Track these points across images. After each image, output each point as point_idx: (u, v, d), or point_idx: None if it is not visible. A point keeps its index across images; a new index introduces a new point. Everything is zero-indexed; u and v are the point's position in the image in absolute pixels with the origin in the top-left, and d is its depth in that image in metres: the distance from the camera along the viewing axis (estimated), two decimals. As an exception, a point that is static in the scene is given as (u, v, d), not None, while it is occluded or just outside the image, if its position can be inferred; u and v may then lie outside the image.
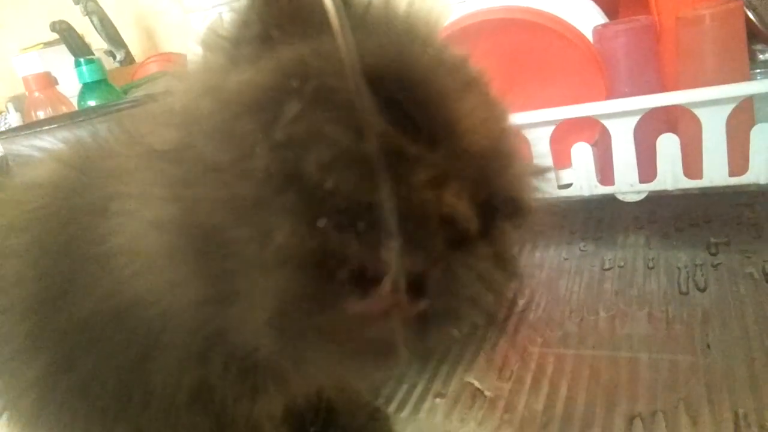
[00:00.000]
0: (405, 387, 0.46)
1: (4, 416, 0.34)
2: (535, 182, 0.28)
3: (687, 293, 0.50)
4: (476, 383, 0.45)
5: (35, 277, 0.29)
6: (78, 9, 1.25)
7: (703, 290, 0.50)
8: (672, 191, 0.65)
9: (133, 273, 0.25)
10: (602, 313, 0.50)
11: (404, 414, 0.43)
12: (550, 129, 0.67)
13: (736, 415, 0.36)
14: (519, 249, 0.27)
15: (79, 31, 1.27)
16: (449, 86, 0.24)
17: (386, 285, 0.20)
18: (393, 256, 0.20)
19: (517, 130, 0.28)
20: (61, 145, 0.34)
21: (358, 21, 0.24)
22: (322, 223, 0.20)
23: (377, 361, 0.23)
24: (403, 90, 0.22)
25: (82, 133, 0.34)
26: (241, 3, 0.25)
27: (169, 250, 0.23)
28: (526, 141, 0.68)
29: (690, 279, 0.52)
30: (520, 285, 0.57)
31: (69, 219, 0.29)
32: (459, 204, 0.21)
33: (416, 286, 0.21)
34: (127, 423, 0.29)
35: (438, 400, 0.44)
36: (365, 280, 0.21)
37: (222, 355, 0.27)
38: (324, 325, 0.22)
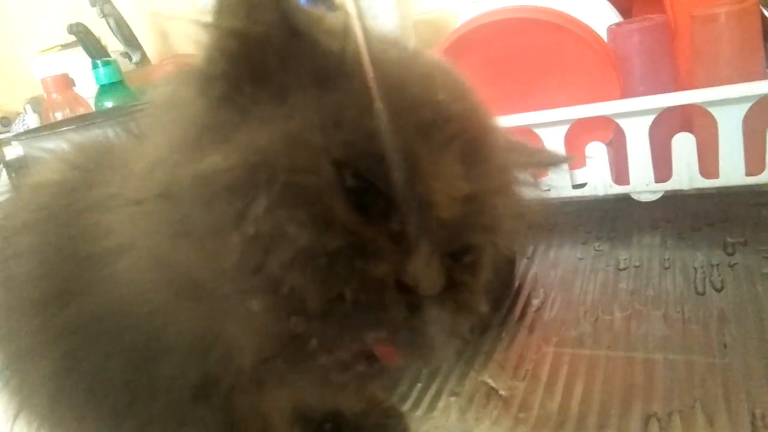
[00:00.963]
0: (419, 386, 0.46)
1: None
2: (524, 224, 0.29)
3: (703, 293, 0.50)
4: (491, 382, 0.45)
5: (41, 275, 0.30)
6: (95, 11, 1.26)
7: (719, 290, 0.50)
8: (688, 191, 0.65)
9: (135, 273, 0.26)
10: (617, 314, 0.50)
11: (419, 413, 0.43)
12: (565, 128, 0.67)
13: (753, 415, 0.36)
14: (485, 292, 0.28)
15: (96, 33, 1.29)
16: (424, 154, 0.23)
17: (347, 350, 0.23)
18: (357, 335, 0.23)
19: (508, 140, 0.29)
20: (69, 148, 0.35)
21: (332, 73, 0.23)
22: (286, 319, 0.22)
23: (348, 393, 0.26)
24: (374, 167, 0.23)
25: (98, 134, 0.35)
26: (206, 37, 0.24)
27: (163, 285, 0.25)
28: (540, 140, 0.69)
29: (706, 279, 0.52)
30: (522, 271, 0.57)
31: (72, 217, 0.29)
32: (423, 271, 0.23)
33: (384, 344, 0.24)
34: (135, 419, 0.30)
35: (453, 398, 0.44)
36: (336, 345, 0.23)
37: (222, 350, 0.28)
38: (299, 374, 0.24)
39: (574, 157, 0.52)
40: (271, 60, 0.23)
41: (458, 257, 0.25)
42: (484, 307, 0.27)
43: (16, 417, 0.34)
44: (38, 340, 0.30)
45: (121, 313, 0.27)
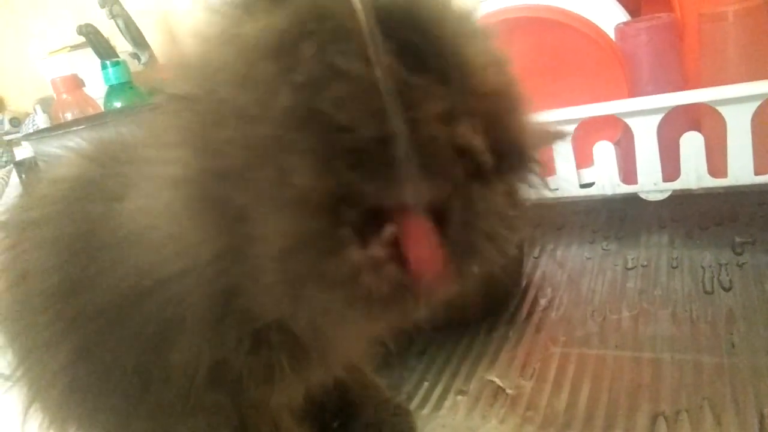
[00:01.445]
0: (426, 384, 0.46)
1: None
2: (542, 142, 0.28)
3: (712, 293, 0.50)
4: (498, 381, 0.45)
5: (56, 266, 0.30)
6: (104, 13, 1.27)
7: (728, 290, 0.49)
8: (696, 190, 0.64)
9: (148, 245, 0.26)
10: (625, 313, 0.50)
11: (426, 411, 0.43)
12: (572, 127, 0.67)
13: (761, 414, 0.36)
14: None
15: (105, 34, 1.30)
16: (458, 30, 0.24)
17: (395, 225, 0.21)
18: (411, 185, 0.21)
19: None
20: (86, 144, 0.35)
21: None
22: (337, 163, 0.21)
23: (378, 309, 0.23)
24: (414, 30, 0.22)
25: (108, 133, 0.35)
26: None
27: (184, 205, 0.24)
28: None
29: (715, 278, 0.52)
30: (528, 270, 0.57)
31: (88, 209, 0.30)
32: (473, 137, 0.22)
33: (436, 216, 0.22)
34: (148, 405, 0.30)
35: (459, 397, 0.44)
36: (375, 225, 0.21)
37: (235, 329, 0.28)
38: (330, 269, 0.22)
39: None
40: None
41: (501, 154, 0.24)
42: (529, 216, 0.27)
43: (27, 411, 0.35)
44: (52, 331, 0.31)
45: (135, 299, 0.27)
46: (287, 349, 0.29)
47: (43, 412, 0.35)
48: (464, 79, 0.23)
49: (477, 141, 0.22)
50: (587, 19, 0.68)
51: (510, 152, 0.24)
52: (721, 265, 0.53)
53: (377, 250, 0.21)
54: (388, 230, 0.21)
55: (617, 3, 0.72)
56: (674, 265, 0.55)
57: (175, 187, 0.24)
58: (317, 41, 0.21)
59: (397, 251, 0.21)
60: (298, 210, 0.21)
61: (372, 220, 0.21)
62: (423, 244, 0.22)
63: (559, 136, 0.30)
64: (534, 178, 0.27)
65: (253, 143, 0.21)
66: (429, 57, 0.22)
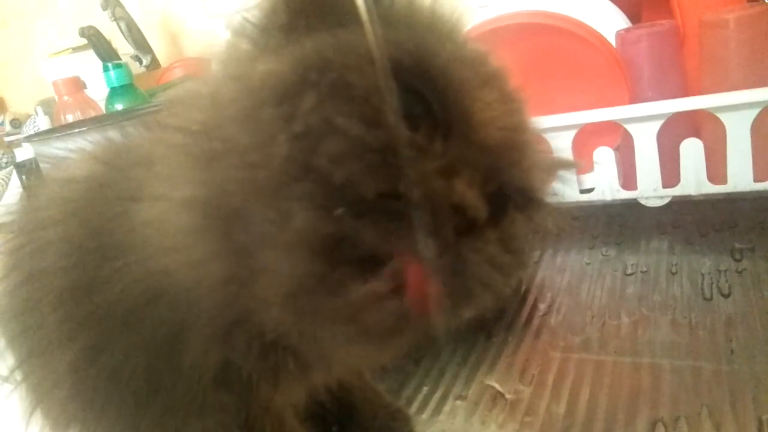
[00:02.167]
0: (426, 389, 0.46)
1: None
2: (552, 176, 0.28)
3: (711, 299, 0.50)
4: (497, 386, 0.45)
5: (66, 267, 0.30)
6: (106, 15, 1.28)
7: (727, 296, 0.50)
8: (696, 196, 0.64)
9: (160, 252, 0.26)
10: (624, 319, 0.50)
11: (425, 416, 0.43)
12: (573, 133, 0.67)
13: (760, 421, 0.36)
14: (529, 244, 0.28)
15: (107, 36, 1.30)
16: (467, 79, 0.24)
17: (387, 270, 0.22)
18: (405, 242, 0.21)
19: (535, 126, 0.28)
20: (93, 144, 0.35)
21: (383, 14, 0.24)
22: (337, 212, 0.21)
23: (383, 342, 0.24)
24: (422, 81, 0.23)
25: (114, 134, 0.35)
26: None
27: (195, 230, 0.24)
28: (547, 144, 0.69)
29: (714, 285, 0.52)
30: (528, 276, 0.57)
31: (98, 210, 0.30)
32: (468, 193, 0.22)
33: (427, 271, 0.22)
34: (156, 406, 0.30)
35: (459, 402, 0.44)
36: (373, 266, 0.22)
37: (245, 334, 0.28)
38: (332, 307, 0.22)
39: (582, 163, 0.52)
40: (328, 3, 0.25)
41: (502, 200, 0.25)
42: (528, 259, 0.27)
43: (31, 415, 0.35)
44: (60, 332, 0.31)
45: (147, 302, 0.28)
46: (294, 353, 0.30)
47: (46, 415, 0.35)
48: (469, 132, 0.23)
49: (472, 197, 0.22)
50: (588, 25, 0.68)
51: (514, 195, 0.25)
52: (720, 271, 0.53)
53: (377, 287, 0.22)
54: (387, 269, 0.22)
55: (618, 9, 0.72)
56: (674, 271, 0.55)
57: (185, 210, 0.24)
58: (318, 94, 0.22)
59: (396, 287, 0.22)
60: (297, 252, 0.22)
61: (370, 259, 0.22)
62: (419, 286, 0.22)
63: (567, 165, 0.30)
64: (541, 215, 0.28)
65: (253, 185, 0.22)
66: (434, 110, 0.23)
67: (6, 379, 0.35)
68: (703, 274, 0.54)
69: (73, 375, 0.31)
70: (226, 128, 0.23)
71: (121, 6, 1.30)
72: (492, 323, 0.53)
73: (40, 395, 0.34)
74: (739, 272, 0.53)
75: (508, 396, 0.43)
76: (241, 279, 0.24)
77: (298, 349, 0.29)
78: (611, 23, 0.71)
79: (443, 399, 0.45)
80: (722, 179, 0.62)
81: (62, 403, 0.33)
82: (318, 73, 0.22)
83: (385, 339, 0.24)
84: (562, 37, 0.67)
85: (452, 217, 0.22)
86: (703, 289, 0.51)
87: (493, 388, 0.45)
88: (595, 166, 0.68)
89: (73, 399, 0.32)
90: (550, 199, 0.28)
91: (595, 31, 0.68)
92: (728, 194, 0.63)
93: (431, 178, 0.22)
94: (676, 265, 0.56)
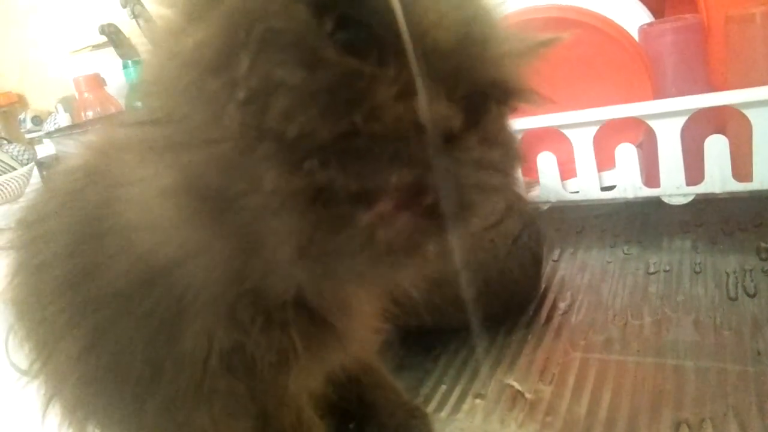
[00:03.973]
0: (444, 388, 0.46)
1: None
2: (523, 58, 0.26)
3: (736, 299, 0.49)
4: (516, 385, 0.44)
5: (66, 255, 0.30)
6: (126, 12, 1.29)
7: (752, 296, 0.48)
8: (720, 194, 0.63)
9: (153, 242, 0.26)
10: (647, 318, 0.49)
11: (443, 414, 0.43)
12: (594, 129, 0.66)
13: (788, 424, 0.35)
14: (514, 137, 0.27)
15: (127, 33, 1.31)
16: None
17: (386, 193, 0.21)
18: (381, 173, 0.21)
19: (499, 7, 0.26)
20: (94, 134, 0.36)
21: None
22: (301, 164, 0.20)
23: (405, 259, 0.23)
24: (355, 4, 0.22)
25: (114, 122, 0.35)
26: None
27: (185, 215, 0.24)
28: (568, 141, 0.68)
29: (739, 284, 0.51)
30: (548, 273, 0.56)
31: (93, 198, 0.30)
32: (434, 107, 0.21)
33: (416, 191, 0.21)
34: (160, 395, 0.30)
35: (478, 401, 0.44)
36: (365, 197, 0.21)
37: (250, 310, 0.28)
38: (345, 243, 0.22)
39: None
40: None
41: (473, 104, 0.23)
42: (519, 149, 0.26)
43: (48, 404, 0.35)
44: (64, 320, 0.31)
45: (143, 285, 0.27)
46: (302, 327, 0.29)
47: (62, 407, 0.35)
48: (418, 42, 0.22)
49: (439, 109, 0.21)
50: (611, 20, 0.67)
51: (489, 91, 0.24)
52: (745, 270, 0.52)
53: (381, 207, 0.21)
54: (383, 195, 0.21)
55: (641, 4, 0.71)
56: (697, 270, 0.54)
57: (168, 199, 0.24)
58: (249, 54, 0.21)
59: (398, 205, 0.22)
60: (286, 212, 0.21)
61: (362, 195, 0.21)
62: (416, 208, 0.22)
63: (546, 44, 0.29)
64: (525, 105, 0.27)
65: (220, 160, 0.22)
66: (375, 29, 0.22)
67: (25, 372, 0.36)
68: (727, 274, 0.53)
69: (79, 365, 0.31)
70: (179, 109, 0.22)
71: (140, 3, 1.31)
72: (511, 320, 0.52)
73: (55, 387, 0.34)
74: (765, 272, 0.51)
75: (528, 395, 0.43)
76: (243, 253, 0.24)
77: (305, 322, 0.29)
78: (634, 18, 0.70)
79: (462, 397, 0.44)
80: (748, 177, 0.61)
81: (74, 394, 0.33)
82: (244, 30, 0.21)
83: (406, 254, 0.23)
84: (584, 32, 0.66)
85: (424, 135, 0.21)
86: (728, 289, 0.50)
87: (513, 387, 0.44)
88: (617, 163, 0.67)
89: (83, 390, 0.32)
90: (527, 83, 0.26)
91: (618, 25, 0.67)
92: (753, 192, 0.62)
93: (388, 105, 0.21)
94: (699, 264, 0.55)
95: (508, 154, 0.25)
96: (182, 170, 0.23)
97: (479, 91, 0.24)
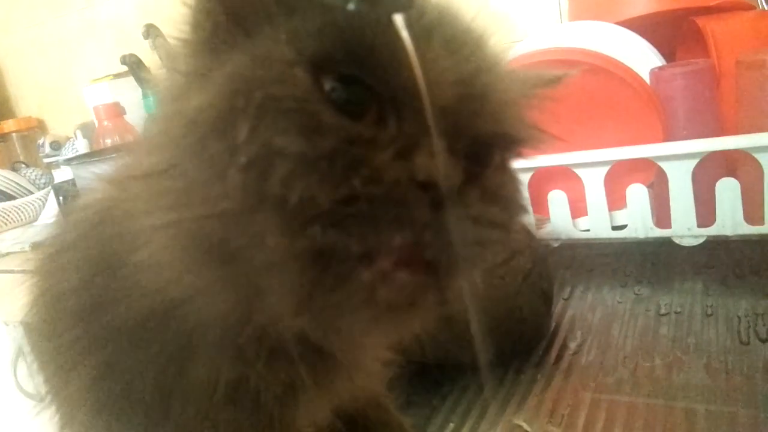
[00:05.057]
0: (452, 426, 0.45)
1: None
2: (527, 102, 0.27)
3: (747, 343, 0.48)
4: (525, 426, 0.44)
5: (81, 288, 0.31)
6: (147, 44, 1.32)
7: (764, 341, 0.48)
8: (732, 237, 0.63)
9: (163, 281, 0.26)
10: (658, 361, 0.48)
11: (451, 453, 0.43)
12: (606, 169, 0.66)
13: (800, 474, 0.35)
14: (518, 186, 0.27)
15: (147, 64, 1.34)
16: (401, 43, 0.22)
17: (385, 252, 0.21)
18: (382, 236, 0.21)
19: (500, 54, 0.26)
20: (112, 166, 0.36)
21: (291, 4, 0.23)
22: (302, 229, 0.21)
23: (405, 314, 0.23)
24: (352, 64, 0.22)
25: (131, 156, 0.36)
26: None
27: (191, 262, 0.25)
28: (579, 180, 0.68)
29: (751, 328, 0.50)
30: (558, 313, 0.56)
31: (108, 232, 0.31)
32: (433, 165, 0.21)
33: (418, 248, 0.22)
34: (169, 425, 0.30)
35: (486, 440, 0.43)
36: (365, 257, 0.21)
37: (254, 345, 0.28)
38: (345, 300, 0.22)
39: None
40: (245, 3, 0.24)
41: (474, 157, 0.24)
42: (524, 202, 0.26)
43: (62, 430, 0.35)
44: (76, 350, 0.31)
45: (153, 319, 0.28)
46: (307, 361, 0.29)
47: None
48: (414, 102, 0.22)
49: (439, 167, 0.22)
50: (622, 63, 0.68)
51: (491, 142, 0.25)
52: (757, 314, 0.52)
53: (381, 264, 0.21)
54: (384, 252, 0.21)
55: (652, 48, 0.72)
56: (709, 312, 0.54)
57: (173, 249, 0.25)
58: (248, 120, 0.21)
59: (399, 262, 0.22)
60: (287, 269, 0.22)
61: (362, 258, 0.22)
62: (418, 266, 0.22)
63: (553, 81, 0.29)
64: (527, 150, 0.27)
65: (222, 217, 0.22)
66: (374, 89, 0.22)
67: (31, 396, 0.36)
68: (739, 317, 0.52)
69: (90, 395, 0.31)
70: (183, 165, 0.23)
71: (162, 35, 1.34)
72: (520, 359, 0.52)
73: (67, 415, 0.35)
74: (777, 316, 0.51)
75: (536, 436, 0.43)
76: (249, 299, 0.25)
77: (311, 355, 0.29)
78: (646, 61, 0.71)
79: (470, 436, 0.44)
80: (759, 220, 0.61)
81: (85, 424, 0.33)
82: (243, 97, 0.22)
83: (407, 310, 0.23)
84: (596, 75, 0.67)
85: (425, 194, 0.21)
86: (739, 333, 0.50)
87: (522, 427, 0.44)
88: (629, 203, 0.67)
89: (93, 420, 0.33)
90: (531, 129, 0.27)
91: (629, 68, 0.68)
92: (765, 235, 0.62)
93: (387, 167, 0.21)
94: (711, 306, 0.55)
95: (509, 208, 0.26)
96: (186, 222, 0.24)
97: (481, 142, 0.24)
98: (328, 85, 0.22)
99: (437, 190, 0.21)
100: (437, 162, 0.22)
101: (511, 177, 0.27)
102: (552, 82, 0.29)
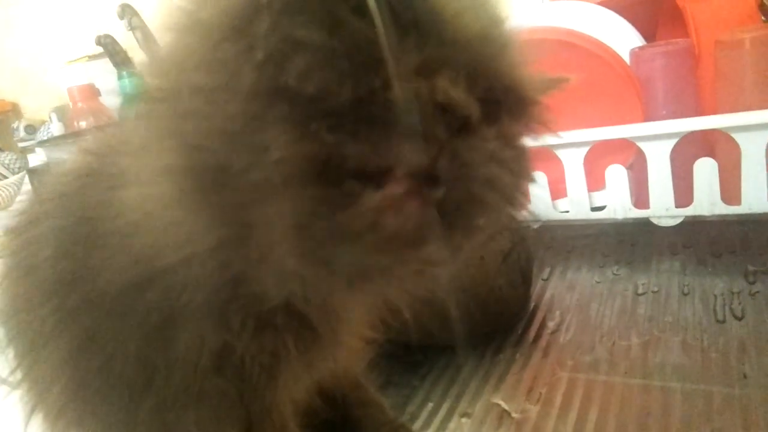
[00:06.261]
0: (430, 405, 0.45)
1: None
2: (536, 78, 0.26)
3: (723, 321, 0.49)
4: (503, 404, 0.44)
5: (58, 257, 0.30)
6: (122, 24, 1.29)
7: (740, 319, 0.49)
8: (709, 217, 0.64)
9: (147, 235, 0.25)
10: (635, 339, 0.49)
11: (429, 433, 0.43)
12: (585, 150, 0.66)
13: (773, 449, 0.35)
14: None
15: (123, 45, 1.31)
16: None
17: (395, 174, 0.21)
18: (394, 148, 0.20)
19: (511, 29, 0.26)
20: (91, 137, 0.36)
21: None
22: (314, 127, 0.20)
23: (407, 251, 0.22)
24: None
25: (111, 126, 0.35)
26: None
27: (178, 197, 0.23)
28: (559, 161, 0.68)
29: (726, 307, 0.51)
30: (537, 292, 0.56)
31: (85, 200, 0.30)
32: (454, 90, 0.21)
33: (427, 177, 0.21)
34: (151, 397, 0.29)
35: (464, 419, 0.43)
36: (373, 175, 0.21)
37: (241, 312, 0.28)
38: (345, 225, 0.21)
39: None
40: None
41: (491, 103, 0.23)
42: (530, 164, 0.25)
43: (31, 414, 0.34)
44: (53, 323, 0.30)
45: (137, 288, 0.27)
46: (293, 331, 0.29)
47: (45, 415, 0.35)
48: (438, 29, 0.22)
49: (458, 94, 0.21)
50: (603, 43, 0.68)
51: (504, 97, 0.24)
52: (733, 293, 0.53)
53: (390, 189, 0.21)
54: (393, 174, 0.21)
55: (633, 27, 0.72)
56: (686, 292, 0.55)
57: (167, 178, 0.23)
58: (271, 15, 0.20)
59: (409, 190, 0.21)
60: (290, 184, 0.21)
61: (371, 171, 0.21)
62: (426, 192, 0.21)
63: (558, 82, 0.29)
64: (536, 123, 0.26)
65: (226, 128, 0.21)
66: (396, 10, 0.21)
67: (4, 381, 0.35)
68: (715, 296, 0.53)
69: (67, 370, 0.31)
70: (190, 82, 0.22)
71: (137, 15, 1.31)
72: (499, 339, 0.52)
73: (38, 394, 0.34)
74: (753, 295, 0.52)
75: (514, 415, 0.43)
76: (235, 239, 0.23)
77: (297, 325, 0.29)
78: (626, 41, 0.71)
79: (448, 416, 0.44)
80: (736, 200, 0.61)
81: (59, 400, 0.33)
82: None
83: (411, 245, 0.22)
84: (576, 54, 0.66)
85: (441, 117, 0.21)
86: (715, 311, 0.50)
87: (499, 406, 0.44)
88: (607, 183, 0.67)
89: (69, 395, 0.32)
90: (538, 96, 0.26)
91: (609, 48, 0.68)
92: (742, 215, 0.63)
93: (409, 77, 0.20)
94: (688, 285, 0.56)
95: (523, 158, 0.25)
96: (185, 145, 0.22)
97: (498, 91, 0.23)
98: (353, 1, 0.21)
99: (454, 116, 0.21)
100: (457, 89, 0.21)
101: (521, 136, 0.26)
102: (556, 82, 0.29)
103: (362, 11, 0.21)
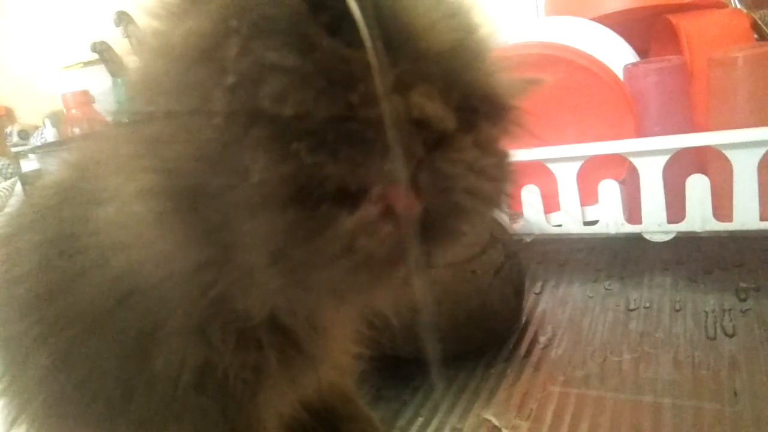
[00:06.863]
0: (421, 420, 0.45)
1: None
2: (512, 80, 0.26)
3: (714, 338, 0.49)
4: (494, 420, 0.44)
5: (36, 271, 0.30)
6: (118, 31, 1.29)
7: (731, 336, 0.49)
8: (701, 233, 0.64)
9: (129, 262, 0.25)
10: (626, 355, 0.49)
11: (419, 447, 0.42)
12: (578, 165, 0.67)
13: (763, 467, 0.35)
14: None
15: (119, 52, 1.31)
16: None
17: (371, 195, 0.20)
18: (372, 166, 0.20)
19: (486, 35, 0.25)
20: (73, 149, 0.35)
21: None
22: (294, 148, 0.20)
23: (383, 271, 0.22)
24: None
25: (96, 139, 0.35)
26: None
27: (157, 219, 0.23)
28: (552, 175, 0.69)
29: (718, 324, 0.51)
30: (529, 307, 0.56)
31: (63, 214, 0.30)
32: (430, 106, 0.21)
33: (406, 193, 0.21)
34: (132, 413, 0.29)
35: (454, 434, 0.43)
36: (351, 196, 0.20)
37: (222, 329, 0.27)
38: (323, 248, 0.21)
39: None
40: None
41: (470, 111, 0.23)
42: (511, 166, 0.25)
43: (12, 425, 0.34)
44: (34, 336, 0.30)
45: (115, 304, 0.27)
46: (276, 346, 0.29)
47: (28, 427, 0.34)
48: (410, 44, 0.22)
49: (433, 109, 0.21)
50: (596, 59, 0.68)
51: (480, 104, 0.24)
52: (724, 310, 0.53)
53: (366, 211, 0.20)
54: (369, 195, 0.20)
55: (626, 44, 0.73)
56: (677, 308, 0.55)
57: (145, 199, 0.23)
58: (241, 38, 0.20)
59: (385, 211, 0.21)
60: (268, 207, 0.20)
61: (348, 192, 0.20)
62: (405, 208, 0.21)
63: (533, 83, 0.29)
64: (514, 128, 0.26)
65: (201, 153, 0.21)
66: (368, 26, 0.21)
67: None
68: (706, 313, 0.53)
69: (48, 383, 0.30)
70: (162, 105, 0.22)
71: (133, 23, 1.31)
72: (491, 353, 0.52)
73: (21, 406, 0.34)
74: (744, 312, 0.52)
75: (505, 430, 0.42)
76: (216, 260, 0.23)
77: (280, 341, 0.29)
78: (620, 57, 0.71)
79: (439, 431, 0.44)
80: (728, 217, 0.61)
81: (39, 414, 0.32)
82: (236, 18, 0.21)
83: (388, 266, 0.22)
84: (570, 70, 0.67)
85: (418, 132, 0.21)
86: (706, 328, 0.50)
87: (490, 421, 0.44)
88: (600, 198, 0.67)
89: (48, 410, 0.31)
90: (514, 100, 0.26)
91: (603, 64, 0.68)
92: (734, 232, 0.63)
93: (384, 94, 0.20)
94: (679, 302, 0.56)
95: (502, 164, 0.25)
96: (161, 169, 0.22)
97: (473, 99, 0.23)
98: (324, 18, 0.21)
99: (431, 131, 0.21)
100: (432, 103, 0.21)
101: (499, 140, 0.26)
102: (532, 83, 0.29)
103: (333, 30, 0.21)
